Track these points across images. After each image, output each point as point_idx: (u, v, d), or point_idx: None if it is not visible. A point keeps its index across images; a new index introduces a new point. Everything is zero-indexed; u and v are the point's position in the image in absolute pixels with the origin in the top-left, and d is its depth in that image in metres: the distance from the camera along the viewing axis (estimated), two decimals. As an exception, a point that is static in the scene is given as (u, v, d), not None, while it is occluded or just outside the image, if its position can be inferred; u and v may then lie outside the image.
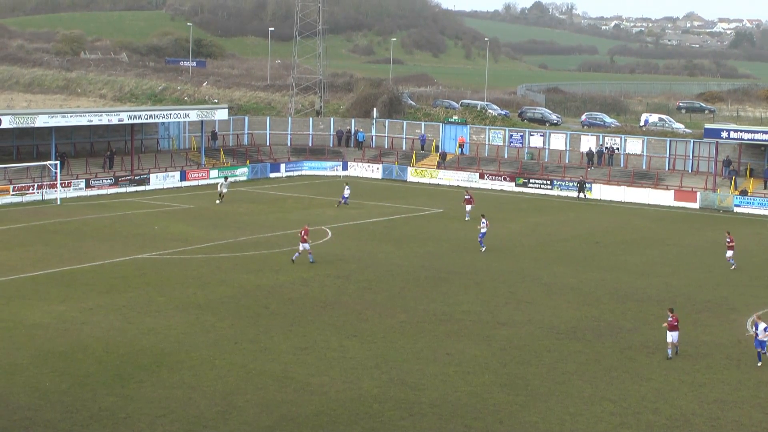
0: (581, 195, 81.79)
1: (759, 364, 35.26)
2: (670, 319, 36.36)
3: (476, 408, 30.75)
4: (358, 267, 51.37)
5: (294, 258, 51.42)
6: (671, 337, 36.26)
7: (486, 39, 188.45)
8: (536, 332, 39.72)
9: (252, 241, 57.17)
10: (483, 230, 56.60)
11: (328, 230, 62.27)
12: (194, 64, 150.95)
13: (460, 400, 31.38)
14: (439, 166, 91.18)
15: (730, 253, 53.74)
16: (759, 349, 35.42)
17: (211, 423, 28.90)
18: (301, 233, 51.54)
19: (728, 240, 53.94)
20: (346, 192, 72.99)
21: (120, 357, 34.81)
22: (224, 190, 73.25)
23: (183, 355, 35.15)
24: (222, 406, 30.20)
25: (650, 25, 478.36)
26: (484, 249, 56.25)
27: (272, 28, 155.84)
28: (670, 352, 36.24)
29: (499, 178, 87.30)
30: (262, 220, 65.22)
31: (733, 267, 53.40)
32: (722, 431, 29.43)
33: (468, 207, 67.16)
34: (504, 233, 63.27)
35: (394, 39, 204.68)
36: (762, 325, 35.28)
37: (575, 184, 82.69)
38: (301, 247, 51.36)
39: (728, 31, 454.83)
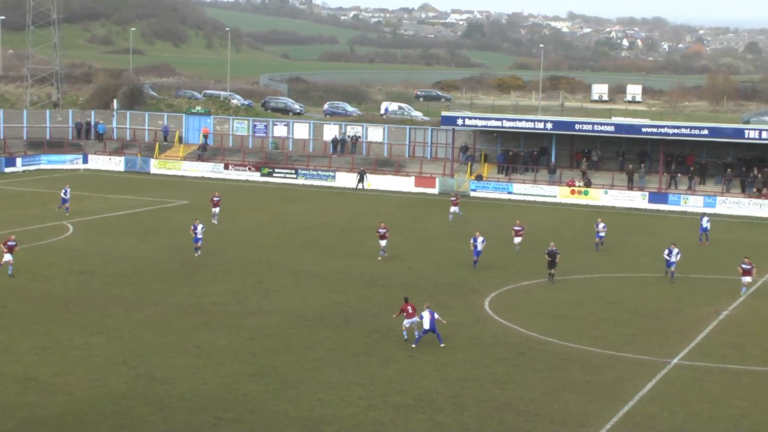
0: (360, 185, 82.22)
1: (442, 344, 36.65)
2: (409, 309, 37.27)
3: (226, 399, 30.80)
4: (103, 262, 50.23)
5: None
6: (409, 323, 37.27)
7: (227, 29, 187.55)
8: (285, 320, 40.11)
9: (-12, 239, 54.86)
10: (199, 236, 52.42)
11: (69, 225, 60.52)
12: None
13: (210, 392, 31.34)
14: (200, 158, 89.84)
15: (383, 243, 53.18)
16: (434, 333, 36.72)
17: (-51, 430, 27.68)
18: (6, 242, 47.10)
19: (382, 230, 53.49)
20: (67, 194, 64.91)
21: None
22: None
23: None
24: (-40, 412, 28.96)
25: (388, 15, 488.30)
26: (198, 254, 52.27)
27: (3, 17, 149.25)
28: (405, 333, 37.35)
29: (244, 168, 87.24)
30: (-2, 217, 62.64)
31: (381, 257, 53.06)
32: (463, 408, 30.70)
33: (216, 210, 62.45)
34: (251, 223, 63.40)
35: (134, 29, 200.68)
36: (426, 312, 36.72)
37: (356, 173, 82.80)
38: (5, 258, 46.62)
39: (461, 22, 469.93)
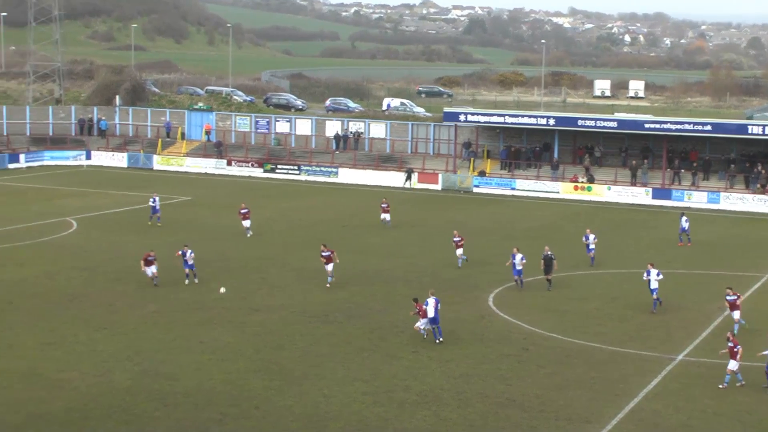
0: (408, 183, 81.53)
1: (438, 341, 36.69)
2: (418, 308, 37.25)
3: (231, 395, 30.80)
4: (106, 258, 50.25)
5: None
6: (422, 323, 37.09)
7: (229, 25, 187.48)
8: (289, 317, 40.11)
9: (-9, 235, 54.97)
10: (190, 262, 45.73)
11: (73, 221, 60.53)
12: None
13: (215, 388, 31.34)
14: (221, 154, 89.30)
15: (329, 267, 45.54)
16: (434, 326, 36.87)
17: (-46, 426, 27.69)
18: (146, 257, 44.96)
19: (326, 253, 45.79)
20: (156, 203, 61.00)
21: None
22: None
23: None
24: (-34, 409, 28.97)
25: (389, 11, 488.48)
26: (196, 281, 45.96)
27: (5, 14, 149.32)
28: (425, 333, 37.24)
29: (247, 165, 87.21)
30: (1, 213, 62.59)
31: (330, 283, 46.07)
32: (468, 403, 30.70)
33: (246, 222, 57.65)
34: (254, 219, 63.13)
35: (135, 25, 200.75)
36: (431, 300, 36.95)
37: (404, 171, 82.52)
38: (151, 271, 44.72)
39: (462, 18, 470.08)
